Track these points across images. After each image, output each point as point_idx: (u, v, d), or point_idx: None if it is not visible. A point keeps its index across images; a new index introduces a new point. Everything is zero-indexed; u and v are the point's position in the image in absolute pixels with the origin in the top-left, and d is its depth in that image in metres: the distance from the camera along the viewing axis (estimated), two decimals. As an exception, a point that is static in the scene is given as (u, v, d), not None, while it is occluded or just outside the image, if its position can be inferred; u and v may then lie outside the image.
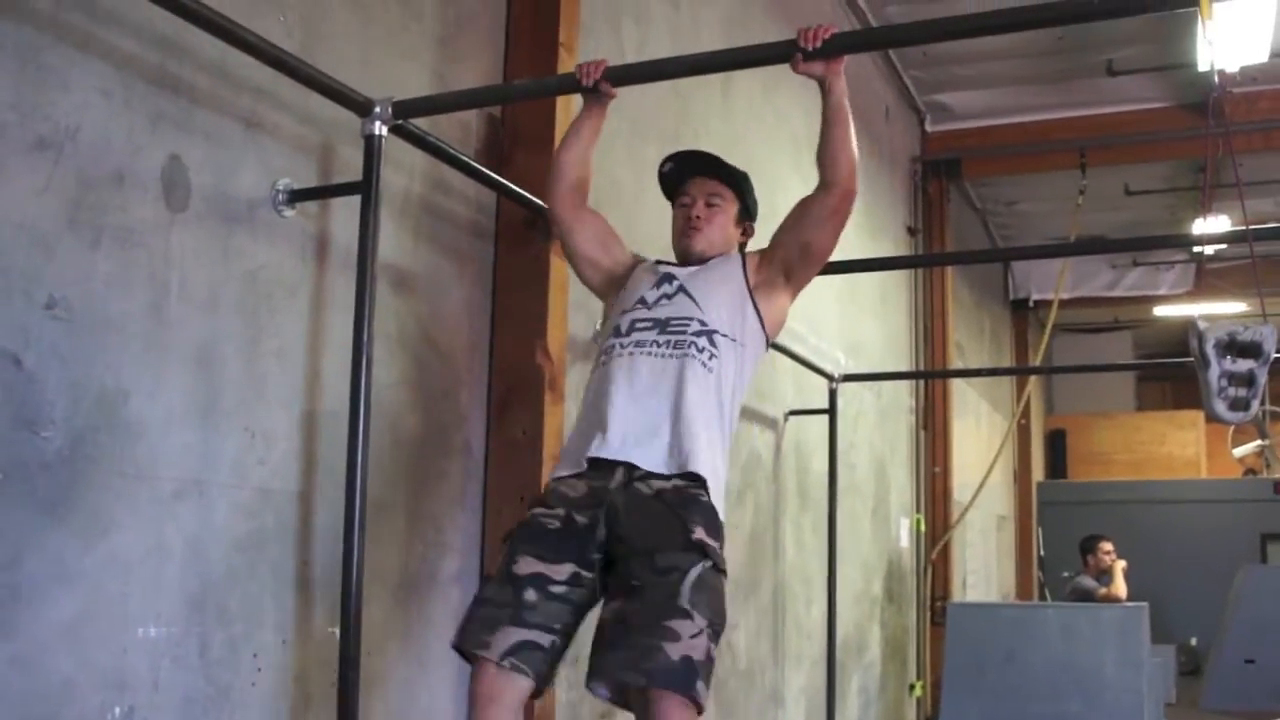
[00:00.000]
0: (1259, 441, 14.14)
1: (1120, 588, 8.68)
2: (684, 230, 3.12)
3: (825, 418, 6.16)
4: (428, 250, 3.51)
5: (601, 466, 2.77)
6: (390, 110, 2.87)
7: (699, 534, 2.66)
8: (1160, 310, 13.46)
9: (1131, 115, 9.02)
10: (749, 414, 5.66)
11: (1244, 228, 3.78)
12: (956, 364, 10.14)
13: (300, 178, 2.98)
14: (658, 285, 3.01)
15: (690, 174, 3.17)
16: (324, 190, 3.03)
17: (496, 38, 3.87)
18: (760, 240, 3.19)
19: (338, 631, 2.72)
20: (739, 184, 3.17)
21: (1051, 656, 6.51)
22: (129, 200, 2.51)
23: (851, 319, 7.44)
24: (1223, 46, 7.13)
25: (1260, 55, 7.41)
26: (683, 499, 2.72)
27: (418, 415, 3.43)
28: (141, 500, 2.51)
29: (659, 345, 2.87)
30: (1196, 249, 11.15)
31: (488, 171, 3.49)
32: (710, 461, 2.79)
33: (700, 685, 2.48)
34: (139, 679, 2.48)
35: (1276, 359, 3.42)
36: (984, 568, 11.67)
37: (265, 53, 2.64)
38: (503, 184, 3.54)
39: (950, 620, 7.05)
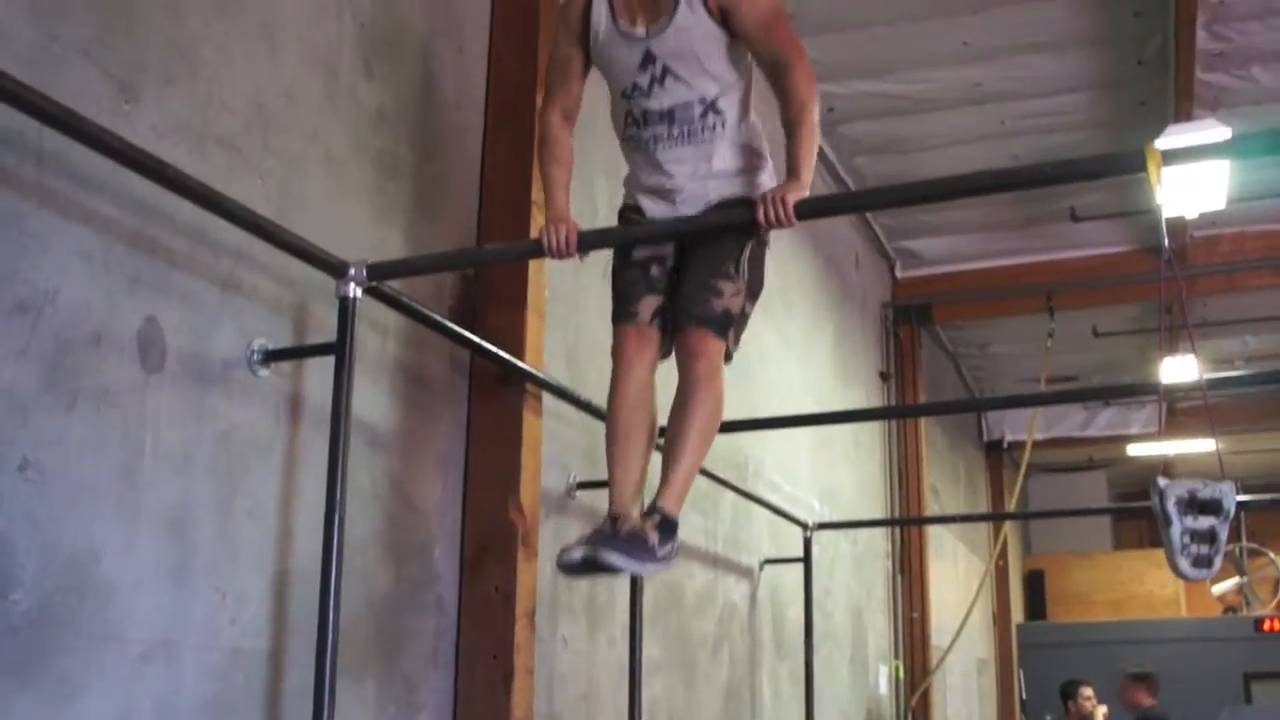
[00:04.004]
0: (1237, 579, 14.14)
1: (1103, 734, 8.57)
2: None
3: (801, 565, 6.14)
4: (401, 406, 3.53)
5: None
6: (365, 273, 2.92)
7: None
8: (1133, 449, 13.53)
9: (1096, 259, 9.20)
10: (723, 565, 5.63)
11: (1198, 377, 3.89)
12: (932, 508, 10.14)
13: (276, 338, 3.02)
14: (642, 67, 3.14)
15: None
16: (299, 350, 3.06)
17: (471, 195, 3.96)
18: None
19: (307, 796, 2.67)
20: None
21: (1036, 805, 6.43)
22: (105, 362, 2.53)
23: (825, 465, 7.47)
24: (1180, 196, 7.29)
25: (1218, 203, 7.60)
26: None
27: (390, 572, 3.42)
28: (110, 663, 2.48)
29: (674, 137, 3.17)
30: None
31: (461, 330, 3.54)
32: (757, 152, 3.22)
33: (732, 332, 3.12)
34: None
35: (1244, 501, 3.47)
36: (965, 713, 11.52)
37: (242, 218, 2.69)
38: (476, 342, 3.58)
39: (932, 769, 6.96)
